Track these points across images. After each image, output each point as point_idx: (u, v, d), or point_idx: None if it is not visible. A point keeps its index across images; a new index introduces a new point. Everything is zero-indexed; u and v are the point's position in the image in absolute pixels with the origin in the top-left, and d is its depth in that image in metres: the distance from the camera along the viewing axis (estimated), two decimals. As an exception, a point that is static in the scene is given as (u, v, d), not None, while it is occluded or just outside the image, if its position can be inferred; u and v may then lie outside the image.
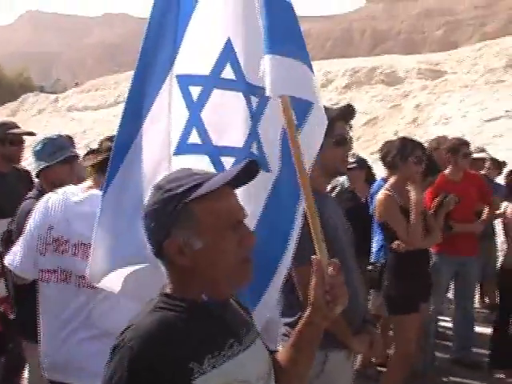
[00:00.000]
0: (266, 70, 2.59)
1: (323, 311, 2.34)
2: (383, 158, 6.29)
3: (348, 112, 3.98)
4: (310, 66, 2.77)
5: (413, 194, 5.98)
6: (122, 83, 38.68)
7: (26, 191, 5.05)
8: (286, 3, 2.82)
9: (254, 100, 3.12)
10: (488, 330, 8.05)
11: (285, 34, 2.72)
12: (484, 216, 8.10)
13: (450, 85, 25.84)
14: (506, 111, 21.25)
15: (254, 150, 3.11)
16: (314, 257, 2.41)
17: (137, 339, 1.94)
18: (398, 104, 25.80)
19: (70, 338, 3.67)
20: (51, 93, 57.93)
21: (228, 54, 3.09)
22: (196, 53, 3.12)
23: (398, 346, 6.19)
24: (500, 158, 10.53)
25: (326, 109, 3.24)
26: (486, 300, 10.19)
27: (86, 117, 34.79)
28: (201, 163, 3.00)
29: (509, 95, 22.74)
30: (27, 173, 6.22)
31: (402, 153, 5.95)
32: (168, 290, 2.12)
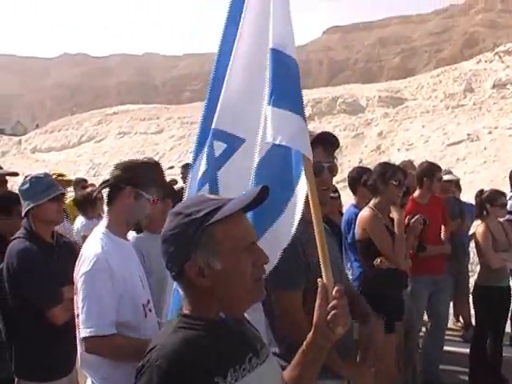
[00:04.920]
0: (268, 119, 2.80)
1: (325, 332, 2.45)
2: (365, 183, 6.46)
3: (325, 138, 3.75)
4: (304, 118, 2.92)
5: (395, 215, 6.16)
6: (84, 123, 38.50)
7: None
8: (291, 59, 2.95)
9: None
10: (464, 350, 8.17)
11: (287, 88, 2.90)
12: (443, 236, 8.20)
13: (411, 111, 26.23)
14: (468, 134, 21.62)
15: None
16: (319, 280, 2.54)
17: (164, 358, 2.01)
18: (361, 132, 26.09)
19: None
20: (12, 135, 57.54)
21: None
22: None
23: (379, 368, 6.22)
24: (464, 180, 10.74)
25: None
26: (461, 319, 10.31)
27: (50, 158, 34.57)
28: None
29: (469, 119, 23.15)
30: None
31: (383, 177, 6.12)
32: (186, 311, 2.21)
